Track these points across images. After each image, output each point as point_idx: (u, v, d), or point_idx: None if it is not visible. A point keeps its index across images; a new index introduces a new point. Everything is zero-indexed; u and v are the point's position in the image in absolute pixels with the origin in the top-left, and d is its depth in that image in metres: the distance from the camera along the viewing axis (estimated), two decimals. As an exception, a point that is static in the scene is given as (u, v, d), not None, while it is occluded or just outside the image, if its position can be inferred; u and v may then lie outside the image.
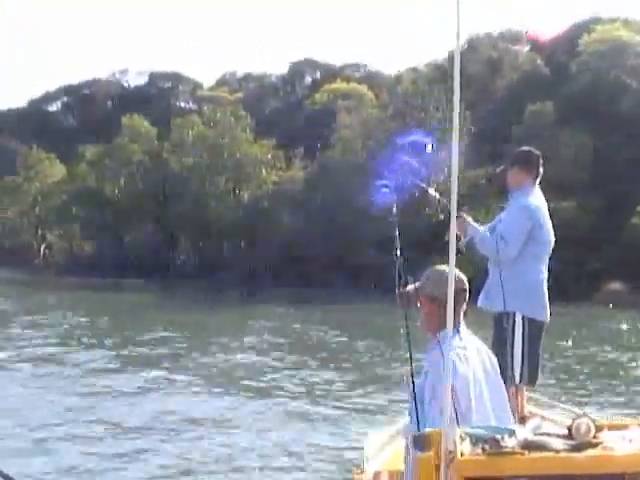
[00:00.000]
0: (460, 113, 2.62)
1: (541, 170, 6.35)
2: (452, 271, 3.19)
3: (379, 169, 4.94)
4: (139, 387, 15.33)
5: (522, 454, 2.91)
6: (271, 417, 13.12)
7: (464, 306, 4.23)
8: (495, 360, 4.34)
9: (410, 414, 4.15)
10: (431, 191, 5.42)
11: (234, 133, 45.28)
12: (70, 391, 14.94)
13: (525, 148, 6.57)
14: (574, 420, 3.04)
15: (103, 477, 10.00)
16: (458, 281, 4.11)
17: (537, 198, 6.29)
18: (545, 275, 6.26)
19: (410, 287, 4.36)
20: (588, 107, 43.80)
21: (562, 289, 23.18)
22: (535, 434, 3.07)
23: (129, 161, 49.19)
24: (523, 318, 5.97)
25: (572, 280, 32.39)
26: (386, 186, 4.78)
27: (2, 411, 12.77)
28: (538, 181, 6.34)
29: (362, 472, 5.70)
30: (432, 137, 5.05)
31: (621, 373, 17.08)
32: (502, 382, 4.33)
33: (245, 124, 46.40)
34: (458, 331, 4.13)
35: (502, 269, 5.94)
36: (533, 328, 6.02)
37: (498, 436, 2.96)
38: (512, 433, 3.03)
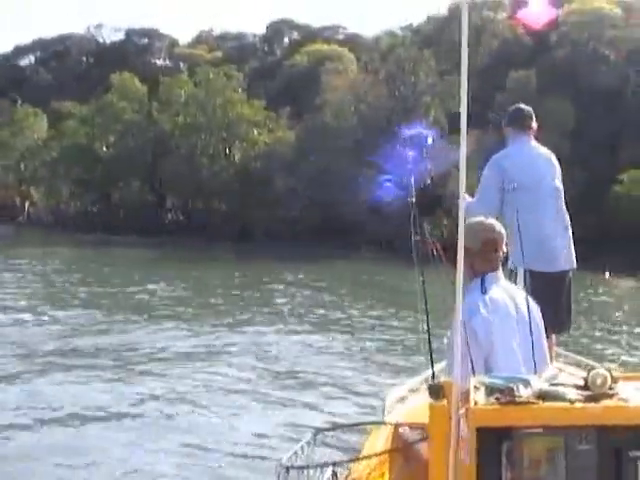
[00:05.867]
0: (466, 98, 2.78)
1: (528, 123, 6.32)
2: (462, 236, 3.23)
3: (381, 163, 5.13)
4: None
5: (536, 404, 2.87)
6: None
7: (495, 254, 4.37)
8: (536, 311, 4.40)
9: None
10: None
11: (226, 93, 45.58)
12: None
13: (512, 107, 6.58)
14: (590, 371, 3.02)
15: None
16: (487, 230, 4.39)
17: (518, 149, 6.25)
18: (549, 224, 6.13)
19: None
20: (568, 77, 44.88)
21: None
22: (550, 384, 3.06)
23: (119, 119, 49.10)
24: (525, 271, 5.83)
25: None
26: (389, 180, 4.90)
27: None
28: (529, 133, 6.33)
29: (381, 424, 5.52)
30: (434, 130, 5.19)
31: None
32: (541, 333, 4.37)
33: (237, 84, 46.69)
34: (483, 280, 4.27)
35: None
36: (537, 281, 5.80)
37: (513, 386, 2.93)
38: (527, 383, 2.99)
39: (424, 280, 4.23)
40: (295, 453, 4.47)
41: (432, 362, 4.05)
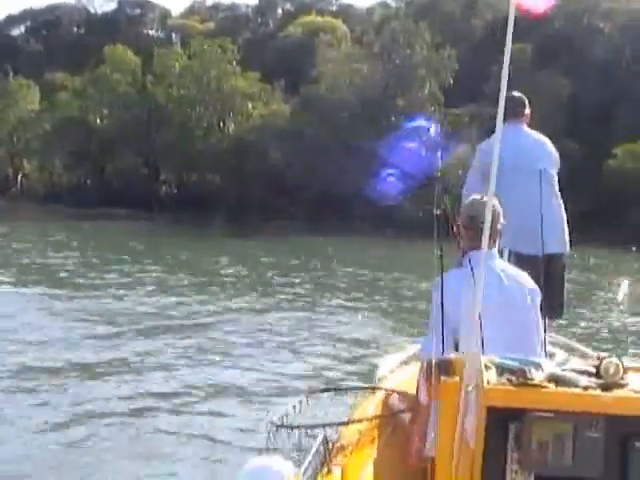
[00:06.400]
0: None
1: (520, 111, 6.23)
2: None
3: (384, 157, 5.14)
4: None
5: (549, 388, 2.88)
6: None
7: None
8: (533, 293, 4.34)
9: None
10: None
11: (221, 65, 45.31)
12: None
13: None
14: (602, 359, 2.98)
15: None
16: (468, 207, 4.26)
17: (509, 133, 5.88)
18: (542, 207, 5.89)
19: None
20: (564, 51, 44.77)
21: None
22: (562, 369, 3.05)
23: (113, 91, 48.73)
24: (510, 253, 5.74)
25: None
26: (392, 175, 4.95)
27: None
28: (522, 120, 6.25)
29: (373, 392, 5.58)
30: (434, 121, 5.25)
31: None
32: (530, 317, 4.26)
33: (231, 57, 46.42)
34: (464, 257, 4.20)
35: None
36: (523, 263, 5.52)
37: (525, 368, 2.93)
38: (539, 366, 2.99)
39: (442, 254, 4.06)
40: (286, 413, 4.52)
41: (443, 335, 3.90)
